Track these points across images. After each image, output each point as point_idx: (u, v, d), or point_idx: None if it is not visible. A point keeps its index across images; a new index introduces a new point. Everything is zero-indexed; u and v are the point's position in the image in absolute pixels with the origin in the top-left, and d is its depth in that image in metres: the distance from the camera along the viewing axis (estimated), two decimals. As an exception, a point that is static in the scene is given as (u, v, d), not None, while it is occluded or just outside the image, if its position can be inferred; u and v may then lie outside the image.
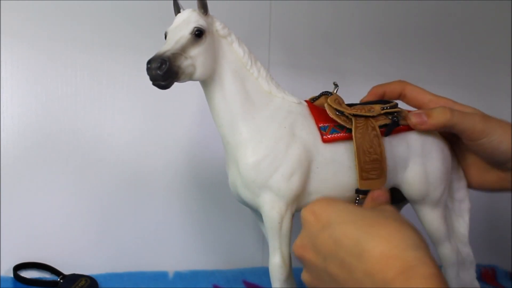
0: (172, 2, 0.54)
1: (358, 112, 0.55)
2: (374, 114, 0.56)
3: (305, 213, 0.47)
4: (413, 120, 0.58)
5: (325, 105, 0.56)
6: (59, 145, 0.73)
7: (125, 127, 0.76)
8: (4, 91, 0.70)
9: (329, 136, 0.55)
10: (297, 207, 0.55)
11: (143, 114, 0.77)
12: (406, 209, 0.65)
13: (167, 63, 0.47)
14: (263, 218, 0.54)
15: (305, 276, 0.47)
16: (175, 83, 0.49)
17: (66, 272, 0.69)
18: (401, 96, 0.63)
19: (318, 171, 0.54)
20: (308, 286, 0.47)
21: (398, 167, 0.58)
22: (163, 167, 0.78)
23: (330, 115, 0.55)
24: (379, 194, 0.50)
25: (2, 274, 0.69)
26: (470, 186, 0.64)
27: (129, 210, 0.77)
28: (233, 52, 0.54)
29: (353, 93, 0.64)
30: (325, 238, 0.44)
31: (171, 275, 0.74)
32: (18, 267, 0.69)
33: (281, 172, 0.52)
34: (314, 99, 0.58)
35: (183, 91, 0.67)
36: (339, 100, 0.56)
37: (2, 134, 0.70)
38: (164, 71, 0.47)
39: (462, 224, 0.64)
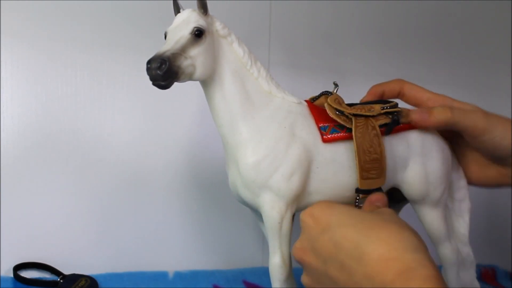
0: (172, 2, 0.54)
1: (358, 112, 0.55)
2: (374, 113, 0.56)
3: (305, 216, 0.47)
4: (415, 117, 0.58)
5: (325, 104, 0.56)
6: (59, 145, 0.73)
7: (125, 127, 0.76)
8: (4, 91, 0.70)
9: (329, 136, 0.55)
10: (297, 207, 0.55)
11: (143, 114, 0.77)
12: (406, 209, 0.65)
13: (167, 63, 0.47)
14: (263, 218, 0.54)
15: (305, 279, 0.47)
16: (175, 83, 0.49)
17: (66, 272, 0.69)
18: (399, 95, 0.64)
19: (318, 171, 0.54)
20: (308, 289, 0.47)
21: (398, 166, 0.58)
22: (163, 167, 0.78)
23: (330, 115, 0.55)
24: (377, 198, 0.51)
25: (2, 274, 0.69)
26: (470, 182, 0.65)
27: (129, 210, 0.77)
28: (233, 52, 0.54)
29: (353, 93, 0.64)
30: (325, 241, 0.44)
31: (171, 275, 0.74)
32: (18, 267, 0.69)
33: (281, 172, 0.52)
34: (314, 98, 0.58)
35: (183, 91, 0.67)
36: (339, 100, 0.56)
37: (2, 134, 0.70)
38: (164, 71, 0.47)
39: (462, 224, 0.64)
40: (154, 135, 0.78)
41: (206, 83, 0.53)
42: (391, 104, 0.58)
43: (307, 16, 0.87)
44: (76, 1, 0.73)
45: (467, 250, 0.64)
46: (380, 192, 0.54)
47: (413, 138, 0.59)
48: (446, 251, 0.61)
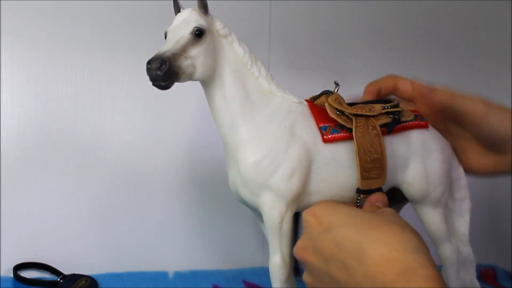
0: (172, 2, 0.54)
1: (359, 112, 0.55)
2: (375, 113, 0.56)
3: (307, 216, 0.48)
4: (419, 91, 0.59)
5: (326, 104, 0.56)
6: (59, 145, 0.73)
7: (125, 127, 0.76)
8: (4, 91, 0.70)
9: (329, 136, 0.55)
10: (297, 207, 0.55)
11: (143, 114, 0.77)
12: (406, 209, 0.65)
13: (167, 63, 0.47)
14: (263, 218, 0.54)
15: (306, 278, 0.48)
16: (175, 83, 0.49)
17: (66, 272, 0.69)
18: (394, 90, 0.64)
19: (319, 171, 0.54)
20: (309, 288, 0.48)
21: (398, 166, 0.58)
22: (163, 167, 0.78)
23: (330, 115, 0.55)
24: (377, 198, 0.51)
25: (2, 274, 0.69)
26: (467, 170, 0.65)
27: (129, 210, 0.77)
28: (234, 52, 0.54)
29: (353, 93, 0.64)
30: (326, 241, 0.44)
31: (171, 275, 0.74)
32: (18, 267, 0.69)
33: (281, 172, 0.52)
34: (315, 98, 0.58)
35: (183, 91, 0.67)
36: (339, 100, 0.56)
37: (2, 134, 0.70)
38: (164, 72, 0.47)
39: (462, 224, 0.64)
40: (154, 135, 0.78)
41: (207, 83, 0.53)
42: (392, 104, 0.58)
43: (307, 16, 0.87)
44: (76, 1, 0.73)
45: (467, 250, 0.64)
46: (380, 192, 0.54)
47: (414, 138, 0.59)
48: (446, 251, 0.61)
